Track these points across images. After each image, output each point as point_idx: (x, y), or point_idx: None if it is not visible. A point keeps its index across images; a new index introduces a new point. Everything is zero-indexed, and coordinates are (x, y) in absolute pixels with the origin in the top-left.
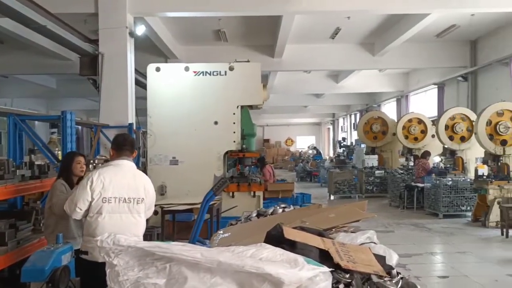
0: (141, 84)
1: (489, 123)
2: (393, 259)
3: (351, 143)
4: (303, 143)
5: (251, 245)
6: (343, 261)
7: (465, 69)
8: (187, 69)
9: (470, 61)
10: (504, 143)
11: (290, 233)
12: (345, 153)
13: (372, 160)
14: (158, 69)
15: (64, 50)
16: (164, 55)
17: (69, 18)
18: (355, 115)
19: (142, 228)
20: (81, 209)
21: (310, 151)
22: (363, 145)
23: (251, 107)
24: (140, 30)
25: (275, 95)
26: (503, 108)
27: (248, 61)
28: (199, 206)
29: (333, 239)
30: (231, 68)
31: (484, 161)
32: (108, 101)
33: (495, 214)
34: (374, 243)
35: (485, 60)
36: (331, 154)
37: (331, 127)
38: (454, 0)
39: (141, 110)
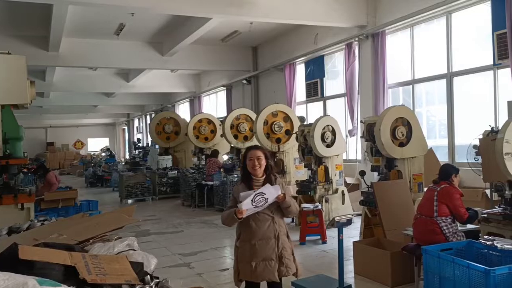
0: None
1: (266, 123)
2: (151, 264)
3: (147, 144)
4: (95, 146)
5: None
6: (90, 275)
7: (249, 73)
8: None
9: (253, 65)
10: (278, 141)
11: (27, 252)
12: (140, 154)
13: (166, 161)
14: None
15: None
16: None
17: None
18: (151, 115)
19: None
20: None
21: (104, 154)
22: (157, 146)
23: (15, 106)
24: None
25: (57, 94)
26: (277, 109)
27: (9, 53)
28: None
29: (86, 251)
30: None
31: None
32: None
33: None
34: (134, 249)
35: (264, 65)
36: (127, 156)
37: (126, 128)
38: (233, 8)
39: None
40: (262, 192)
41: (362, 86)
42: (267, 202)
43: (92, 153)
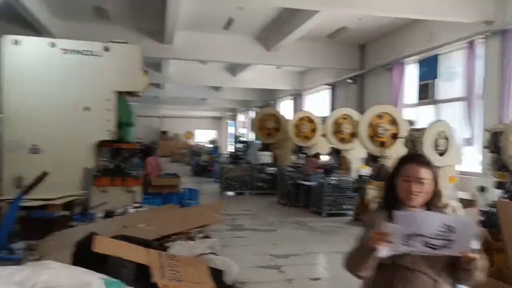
0: None
1: (370, 125)
2: (232, 272)
3: (250, 139)
4: (203, 137)
5: (31, 264)
6: (163, 280)
7: (354, 71)
8: (53, 45)
9: (359, 64)
10: (382, 144)
11: (101, 245)
12: (242, 148)
13: (266, 157)
14: (16, 42)
15: None
16: (36, 29)
17: None
18: (255, 111)
19: None
20: None
21: (209, 145)
22: (258, 142)
23: (129, 93)
24: None
25: (171, 85)
26: (383, 111)
27: (126, 43)
28: (55, 202)
29: (164, 249)
30: (106, 49)
31: (366, 162)
32: None
33: None
34: (215, 254)
35: (371, 64)
36: (231, 150)
37: (231, 121)
38: (343, 0)
39: None
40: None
41: (487, 89)
42: (435, 249)
43: (199, 144)
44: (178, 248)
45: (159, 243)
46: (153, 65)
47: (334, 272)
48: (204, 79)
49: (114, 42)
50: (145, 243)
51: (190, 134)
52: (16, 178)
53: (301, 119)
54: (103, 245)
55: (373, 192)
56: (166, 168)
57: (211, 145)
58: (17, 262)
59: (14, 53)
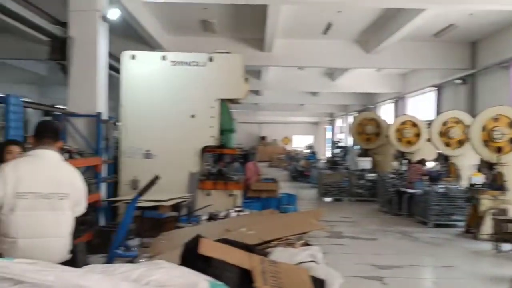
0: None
1: (484, 128)
2: (334, 284)
3: (348, 144)
4: (300, 142)
5: (145, 263)
6: (266, 286)
7: (464, 71)
8: (164, 58)
9: (470, 63)
10: (499, 150)
11: (206, 248)
12: (340, 154)
13: (365, 163)
14: (133, 57)
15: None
16: (149, 44)
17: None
18: (353, 115)
19: (66, 227)
20: None
21: (307, 151)
22: (357, 147)
23: (231, 101)
24: (114, 14)
25: (270, 92)
26: (499, 113)
27: (228, 52)
28: (165, 203)
29: (265, 255)
30: (210, 59)
31: (479, 169)
32: (76, 89)
33: (487, 226)
34: (316, 262)
35: (484, 62)
36: (328, 155)
37: (328, 127)
38: None
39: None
40: None
41: None
42: None
43: (296, 149)
44: (279, 254)
45: (260, 248)
46: (253, 72)
47: None
48: (302, 85)
49: (217, 52)
50: (247, 248)
51: (287, 140)
52: (131, 181)
53: (404, 123)
54: (208, 248)
55: (487, 203)
56: (264, 173)
57: (308, 150)
58: (133, 258)
59: (131, 67)
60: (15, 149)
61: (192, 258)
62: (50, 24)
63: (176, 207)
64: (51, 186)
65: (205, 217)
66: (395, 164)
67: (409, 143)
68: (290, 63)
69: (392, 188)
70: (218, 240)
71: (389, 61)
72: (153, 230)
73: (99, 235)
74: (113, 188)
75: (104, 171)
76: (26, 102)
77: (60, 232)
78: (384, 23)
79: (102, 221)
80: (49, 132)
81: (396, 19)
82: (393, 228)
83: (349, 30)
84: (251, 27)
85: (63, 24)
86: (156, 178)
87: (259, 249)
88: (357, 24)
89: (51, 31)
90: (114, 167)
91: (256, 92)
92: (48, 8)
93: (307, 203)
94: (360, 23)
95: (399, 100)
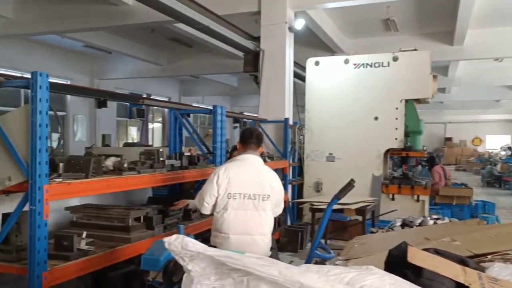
0: (304, 80)
1: None
2: None
3: None
4: (494, 143)
5: (355, 267)
6: None
7: None
8: (346, 61)
9: None
10: None
11: (416, 257)
12: None
13: None
14: (317, 63)
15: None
16: (330, 49)
17: (241, 18)
18: None
19: (268, 226)
20: (208, 204)
21: (503, 152)
22: None
23: (417, 101)
24: (300, 24)
25: (458, 89)
26: None
27: (415, 50)
28: (350, 206)
29: (482, 270)
30: (395, 59)
31: None
32: (266, 97)
33: None
34: None
35: None
36: None
37: None
38: None
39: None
40: None
41: None
42: None
43: (490, 151)
44: (498, 271)
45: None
46: (439, 69)
47: None
48: (499, 78)
49: (403, 51)
50: (459, 260)
51: (478, 140)
52: (315, 183)
53: None
54: (418, 257)
55: None
56: (452, 177)
57: (504, 152)
58: (330, 261)
59: (315, 73)
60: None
61: (398, 266)
62: (245, 40)
63: (360, 211)
64: (255, 188)
65: (398, 223)
66: None
67: None
68: (485, 55)
69: None
70: (426, 249)
71: None
72: (336, 232)
73: (286, 234)
74: (298, 190)
75: (290, 174)
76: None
77: (263, 230)
78: None
79: (288, 221)
80: (254, 138)
81: None
82: None
83: None
84: (437, 21)
85: (255, 39)
86: (351, 182)
87: (473, 262)
88: None
89: (246, 46)
90: (299, 170)
91: (441, 90)
92: (242, 26)
93: (507, 212)
94: None
95: None
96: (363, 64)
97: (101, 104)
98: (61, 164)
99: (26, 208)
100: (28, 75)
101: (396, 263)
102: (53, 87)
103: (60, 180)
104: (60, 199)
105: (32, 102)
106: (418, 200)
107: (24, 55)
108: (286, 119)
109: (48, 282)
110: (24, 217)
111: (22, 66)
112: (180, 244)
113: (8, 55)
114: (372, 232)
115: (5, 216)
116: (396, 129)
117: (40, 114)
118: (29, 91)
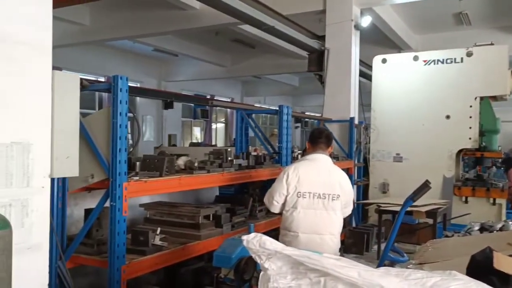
0: (370, 79)
1: None
2: None
3: None
4: None
5: (437, 272)
6: None
7: None
8: (416, 58)
9: None
10: None
11: (503, 262)
12: None
13: None
14: (384, 61)
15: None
16: (396, 46)
17: (305, 17)
18: None
19: (337, 226)
20: (277, 202)
21: None
22: None
23: (494, 98)
24: (366, 21)
25: None
26: None
27: (491, 44)
28: (420, 209)
29: None
30: (469, 54)
31: None
32: (331, 96)
33: None
34: None
35: None
36: None
37: None
38: None
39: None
40: None
41: None
42: None
43: None
44: None
45: None
46: None
47: None
48: None
49: (478, 45)
50: None
51: None
52: (381, 184)
53: None
54: (506, 263)
55: None
56: None
57: None
58: (402, 264)
59: (381, 70)
60: None
61: (482, 272)
62: (309, 39)
63: (430, 214)
64: (325, 187)
65: (476, 227)
66: None
67: None
68: None
69: None
70: None
71: None
72: (404, 235)
73: (351, 236)
74: (363, 191)
75: (355, 174)
76: None
77: (332, 230)
78: None
79: (353, 222)
80: (323, 138)
81: None
82: None
83: None
84: None
85: (319, 38)
86: (427, 183)
87: None
88: None
89: (311, 45)
90: (364, 170)
91: None
92: (306, 25)
93: None
94: None
95: None
96: (434, 60)
97: (168, 105)
98: (137, 163)
99: (106, 204)
100: (102, 79)
101: (480, 269)
102: (129, 90)
103: (137, 178)
104: (137, 196)
105: (113, 104)
106: (494, 204)
107: (100, 60)
108: (352, 119)
109: (126, 275)
110: (104, 213)
111: (99, 70)
112: (258, 242)
113: (86, 60)
114: (447, 236)
115: (87, 211)
116: (470, 128)
117: (120, 116)
118: (105, 94)
